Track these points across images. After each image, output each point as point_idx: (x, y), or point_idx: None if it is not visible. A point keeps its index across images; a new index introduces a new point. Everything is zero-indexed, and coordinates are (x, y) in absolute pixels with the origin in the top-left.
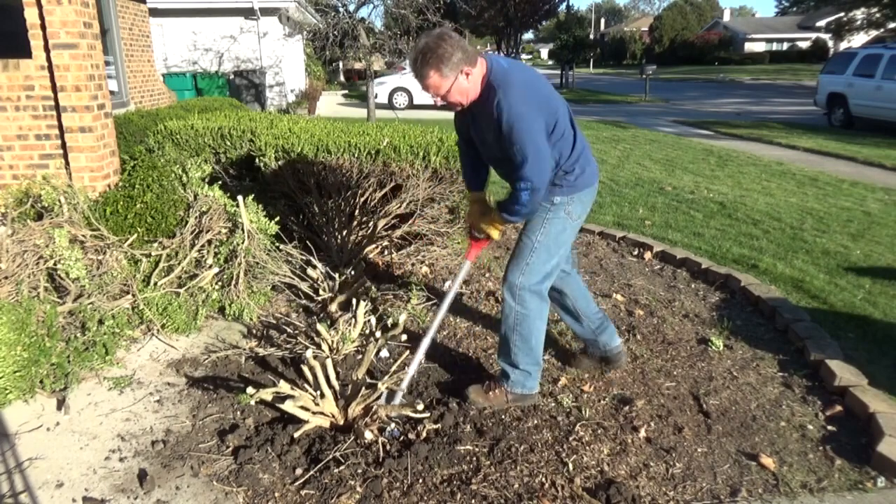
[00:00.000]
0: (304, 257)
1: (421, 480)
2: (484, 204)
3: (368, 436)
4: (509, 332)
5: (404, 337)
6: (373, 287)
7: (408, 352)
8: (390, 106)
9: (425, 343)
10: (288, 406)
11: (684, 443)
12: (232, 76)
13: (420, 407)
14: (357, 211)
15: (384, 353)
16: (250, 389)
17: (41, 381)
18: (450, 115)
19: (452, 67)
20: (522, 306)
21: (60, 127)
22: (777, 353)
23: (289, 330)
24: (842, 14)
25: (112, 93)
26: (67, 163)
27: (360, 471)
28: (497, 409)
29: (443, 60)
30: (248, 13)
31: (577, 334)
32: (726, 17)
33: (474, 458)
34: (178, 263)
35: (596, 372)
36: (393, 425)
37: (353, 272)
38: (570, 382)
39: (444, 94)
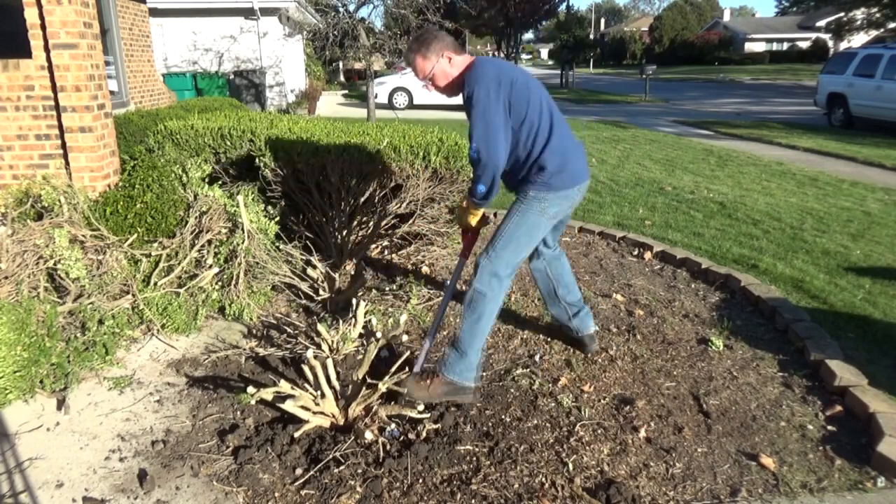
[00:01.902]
0: (304, 257)
1: (421, 480)
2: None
3: (369, 436)
4: (464, 307)
5: (405, 338)
6: (373, 287)
7: (408, 352)
8: (390, 106)
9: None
10: (288, 406)
11: (684, 443)
12: (232, 76)
13: (420, 407)
14: (357, 211)
15: (384, 353)
16: (251, 389)
17: (41, 381)
18: (449, 115)
19: (433, 51)
20: (483, 286)
21: (60, 127)
22: (777, 353)
23: (289, 330)
24: (842, 14)
25: (112, 93)
26: (67, 163)
27: (360, 471)
28: (434, 401)
29: (423, 44)
30: (248, 13)
31: (552, 315)
32: (726, 17)
33: (474, 458)
34: (178, 263)
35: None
36: (393, 425)
37: (353, 272)
38: (570, 382)
39: (429, 75)
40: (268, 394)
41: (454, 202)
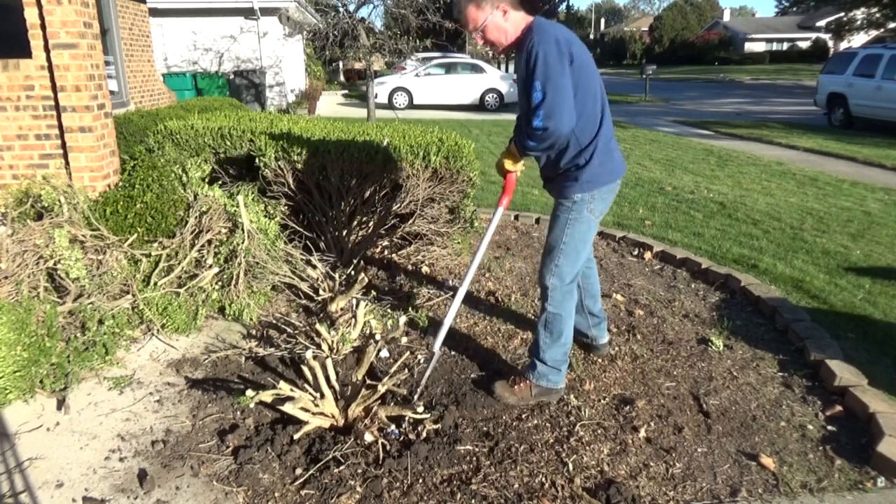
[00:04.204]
0: (304, 257)
1: (421, 480)
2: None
3: (368, 437)
4: (541, 330)
5: (404, 340)
6: (373, 287)
7: (408, 352)
8: (390, 106)
9: (457, 300)
10: (288, 408)
11: (684, 443)
12: (232, 76)
13: (420, 409)
14: (357, 211)
15: (384, 354)
16: (249, 392)
17: (41, 381)
18: (450, 115)
19: (488, 0)
20: (554, 307)
21: (60, 127)
22: (777, 353)
23: (289, 330)
24: (842, 14)
25: (112, 93)
26: (67, 163)
27: (360, 471)
28: (523, 404)
29: None
30: (248, 13)
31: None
32: (726, 17)
33: (474, 458)
34: (178, 263)
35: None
36: (393, 426)
37: (352, 272)
38: (570, 382)
39: (480, 27)
40: (267, 396)
41: (454, 202)
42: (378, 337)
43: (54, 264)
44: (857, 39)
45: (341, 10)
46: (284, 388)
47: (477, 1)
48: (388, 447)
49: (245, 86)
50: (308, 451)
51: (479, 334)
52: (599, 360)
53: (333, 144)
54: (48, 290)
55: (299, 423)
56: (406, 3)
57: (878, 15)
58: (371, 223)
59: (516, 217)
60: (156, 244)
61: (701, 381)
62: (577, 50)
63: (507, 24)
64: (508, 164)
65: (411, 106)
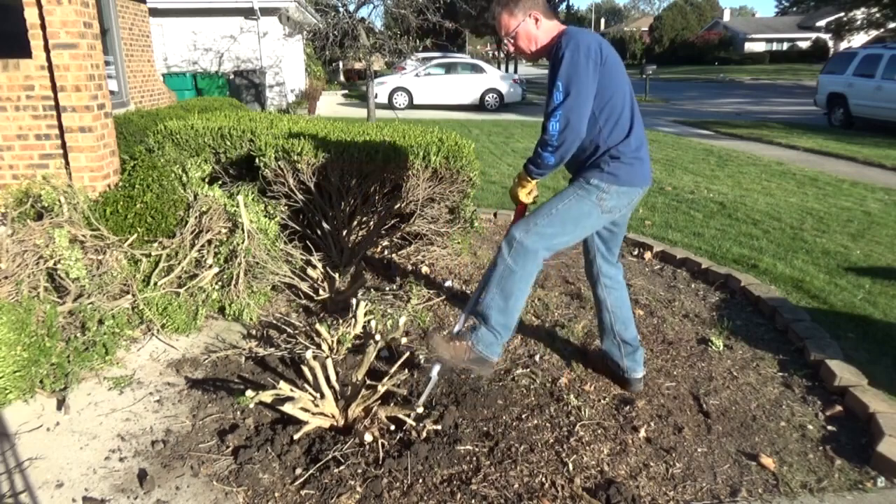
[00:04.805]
0: (304, 257)
1: (421, 480)
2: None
3: (368, 438)
4: (492, 283)
5: (404, 340)
6: (373, 287)
7: (408, 352)
8: (390, 106)
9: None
10: (288, 408)
11: (684, 443)
12: (232, 76)
13: (420, 409)
14: (357, 211)
15: (384, 353)
16: (249, 392)
17: (41, 381)
18: (450, 115)
19: (521, 8)
20: (514, 261)
21: (60, 127)
22: (777, 353)
23: (289, 330)
24: (842, 14)
25: (112, 93)
26: (67, 163)
27: (360, 471)
28: (453, 363)
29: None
30: (248, 13)
31: (603, 349)
32: (726, 17)
33: (474, 458)
34: (178, 263)
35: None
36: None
37: (353, 272)
38: (570, 382)
39: (512, 33)
40: (267, 396)
41: (454, 202)
42: (378, 337)
43: (54, 264)
44: (857, 39)
45: (341, 10)
46: (284, 388)
47: (510, 8)
48: (387, 447)
49: (245, 86)
50: (308, 451)
51: None
52: (597, 357)
53: (333, 144)
54: (48, 290)
55: (299, 423)
56: (406, 3)
57: (878, 15)
58: (371, 223)
59: None
60: (156, 244)
61: (701, 381)
62: (609, 52)
63: (539, 31)
64: (522, 195)
65: (411, 106)
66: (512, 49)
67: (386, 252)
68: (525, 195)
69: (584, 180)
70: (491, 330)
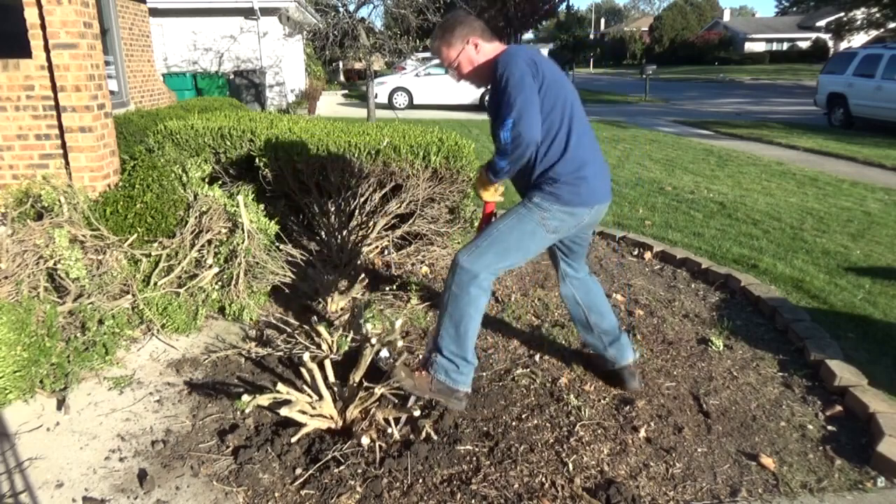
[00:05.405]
0: (304, 257)
1: (421, 480)
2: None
3: (365, 441)
4: (442, 309)
5: (400, 343)
6: (373, 287)
7: (407, 353)
8: (390, 106)
9: None
10: (285, 412)
11: (684, 443)
12: (232, 76)
13: (416, 412)
14: (357, 211)
15: (384, 354)
16: (245, 397)
17: (41, 381)
18: (450, 115)
19: (458, 37)
20: (458, 286)
21: (60, 127)
22: (777, 353)
23: (288, 330)
24: (842, 14)
25: (112, 93)
26: (67, 163)
27: (359, 471)
28: (418, 393)
29: (447, 31)
30: (248, 13)
31: (587, 344)
32: (726, 17)
33: (474, 458)
34: (178, 263)
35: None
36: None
37: (353, 272)
38: (570, 382)
39: (454, 63)
40: (264, 400)
41: (454, 202)
42: (375, 340)
43: (54, 264)
44: (857, 39)
45: (341, 10)
46: (282, 390)
47: (447, 40)
48: (386, 448)
49: (245, 86)
50: (308, 451)
51: (479, 334)
52: (594, 359)
53: (333, 144)
54: (48, 290)
55: (298, 424)
56: (406, 3)
57: (878, 15)
58: (371, 223)
59: None
60: (156, 244)
61: (701, 381)
62: (547, 69)
63: (480, 56)
64: (485, 194)
65: (411, 106)
66: (457, 79)
67: (386, 252)
68: (489, 195)
69: (527, 199)
70: (447, 358)
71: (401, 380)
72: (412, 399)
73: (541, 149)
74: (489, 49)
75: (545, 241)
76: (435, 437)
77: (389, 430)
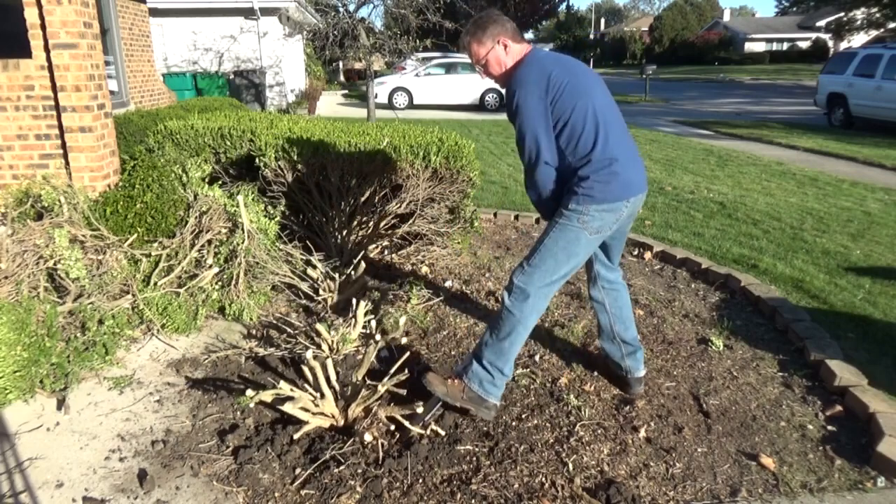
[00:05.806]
0: (304, 257)
1: (421, 480)
2: None
3: (368, 438)
4: (493, 322)
5: (404, 340)
6: (373, 287)
7: (408, 352)
8: (390, 106)
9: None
10: (288, 408)
11: (684, 443)
12: (232, 76)
13: (419, 409)
14: (357, 211)
15: (384, 354)
16: (250, 392)
17: (41, 381)
18: (450, 115)
19: (490, 35)
20: (514, 306)
21: (60, 127)
22: (777, 353)
23: (289, 330)
24: (842, 14)
25: (112, 93)
26: (67, 163)
27: (360, 471)
28: (450, 400)
29: (479, 28)
30: (248, 13)
31: (602, 349)
32: (726, 17)
33: (474, 458)
34: (178, 263)
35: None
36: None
37: (353, 272)
38: (570, 382)
39: (482, 61)
40: (267, 396)
41: (454, 202)
42: (378, 337)
43: (54, 264)
44: (857, 39)
45: (341, 10)
46: (284, 387)
47: (479, 37)
48: (387, 447)
49: (245, 86)
50: (308, 450)
51: (479, 334)
52: (599, 360)
53: (333, 144)
54: (48, 290)
55: (299, 423)
56: (406, 3)
57: (878, 15)
58: (371, 223)
59: (516, 217)
60: (156, 244)
61: (701, 381)
62: (563, 78)
63: (508, 57)
64: None
65: (411, 106)
66: (483, 76)
67: (386, 252)
68: None
69: (562, 208)
70: (484, 367)
71: (433, 386)
72: (431, 409)
73: (567, 154)
74: (517, 50)
75: (592, 243)
76: (435, 438)
77: (392, 428)
